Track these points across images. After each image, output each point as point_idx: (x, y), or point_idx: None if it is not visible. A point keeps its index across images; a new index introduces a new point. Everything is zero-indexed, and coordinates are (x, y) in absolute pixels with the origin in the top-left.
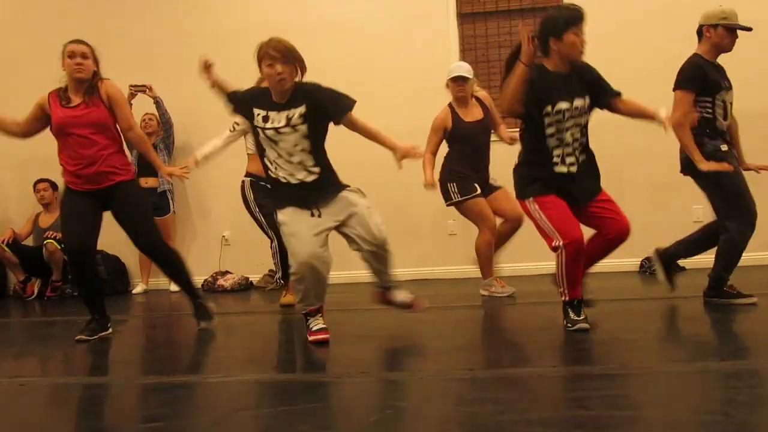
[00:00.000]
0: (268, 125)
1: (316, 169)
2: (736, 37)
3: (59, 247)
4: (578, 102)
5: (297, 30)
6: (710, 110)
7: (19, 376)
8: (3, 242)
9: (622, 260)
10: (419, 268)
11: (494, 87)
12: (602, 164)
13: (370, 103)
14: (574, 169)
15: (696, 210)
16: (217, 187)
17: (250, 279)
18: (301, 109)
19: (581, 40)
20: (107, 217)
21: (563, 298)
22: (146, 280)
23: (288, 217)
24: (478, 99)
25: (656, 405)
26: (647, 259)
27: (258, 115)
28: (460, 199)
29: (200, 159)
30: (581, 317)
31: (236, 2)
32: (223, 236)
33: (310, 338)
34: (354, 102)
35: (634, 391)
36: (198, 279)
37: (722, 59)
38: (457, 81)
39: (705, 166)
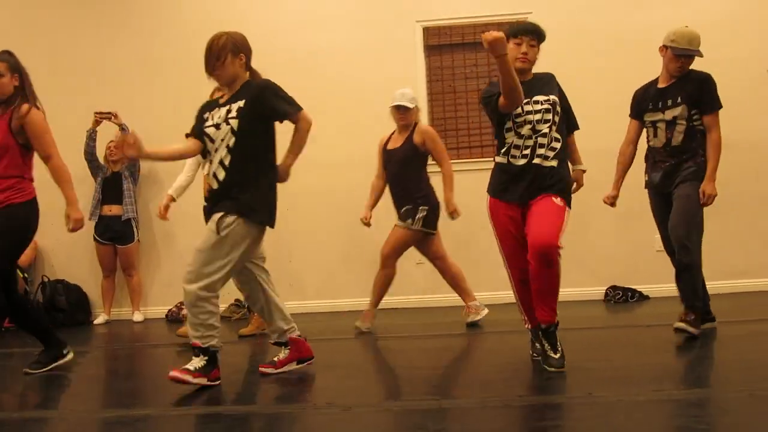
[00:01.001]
0: (209, 123)
1: (222, 175)
2: (684, 62)
3: (21, 276)
4: (541, 98)
5: (266, 58)
6: (647, 132)
7: None
8: None
9: (587, 289)
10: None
11: (461, 117)
12: None
13: (336, 130)
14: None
15: (658, 239)
16: (183, 215)
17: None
18: (240, 104)
19: (520, 50)
20: (72, 246)
21: (526, 327)
22: (108, 311)
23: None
24: (410, 132)
25: None
26: (612, 287)
27: (206, 119)
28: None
29: (175, 196)
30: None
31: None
32: None
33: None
34: (296, 111)
35: (599, 421)
36: (162, 309)
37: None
38: (399, 109)
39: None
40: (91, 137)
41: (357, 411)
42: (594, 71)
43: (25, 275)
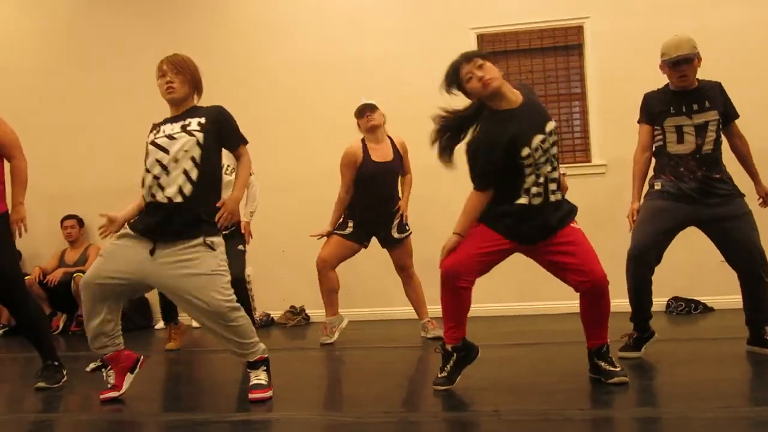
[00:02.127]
0: (160, 134)
1: (188, 189)
2: (683, 69)
3: None
4: (545, 133)
5: (318, 68)
6: (660, 138)
7: (43, 412)
8: (35, 280)
9: None
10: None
11: None
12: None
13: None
14: (537, 201)
15: None
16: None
17: (271, 315)
18: (201, 120)
19: (473, 74)
20: None
21: (446, 341)
22: None
23: (114, 248)
24: (393, 142)
25: None
26: (674, 298)
27: (151, 133)
28: (331, 230)
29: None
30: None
31: (252, 46)
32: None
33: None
34: (246, 142)
35: None
36: None
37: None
38: (364, 112)
39: (628, 216)
40: None
41: (413, 420)
42: (652, 75)
43: None
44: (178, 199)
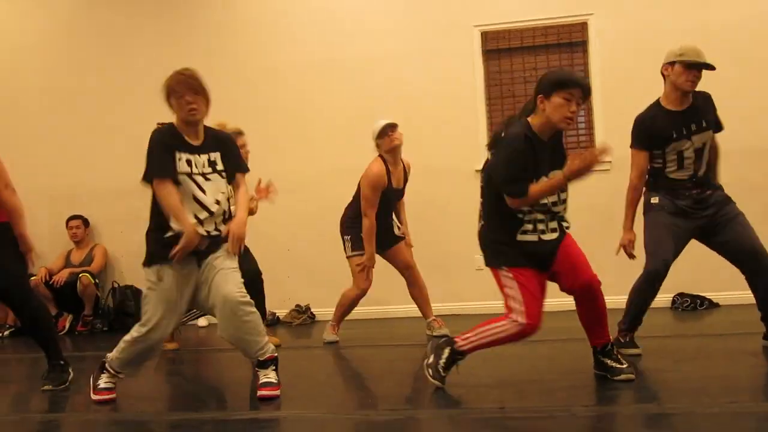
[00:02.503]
0: (194, 171)
1: (222, 221)
2: (696, 75)
3: (93, 282)
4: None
5: (321, 68)
6: (660, 161)
7: (49, 412)
8: (41, 280)
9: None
10: (447, 304)
11: None
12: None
13: None
14: (547, 237)
15: None
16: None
17: (276, 314)
18: (218, 154)
19: (570, 109)
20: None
21: (458, 343)
22: None
23: (168, 278)
24: (404, 166)
25: None
26: (679, 294)
27: (180, 159)
28: (351, 254)
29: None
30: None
31: (259, 47)
32: None
33: (96, 397)
34: (245, 171)
35: None
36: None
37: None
38: (387, 131)
39: (620, 243)
40: None
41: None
42: (656, 72)
43: (96, 281)
44: (216, 232)
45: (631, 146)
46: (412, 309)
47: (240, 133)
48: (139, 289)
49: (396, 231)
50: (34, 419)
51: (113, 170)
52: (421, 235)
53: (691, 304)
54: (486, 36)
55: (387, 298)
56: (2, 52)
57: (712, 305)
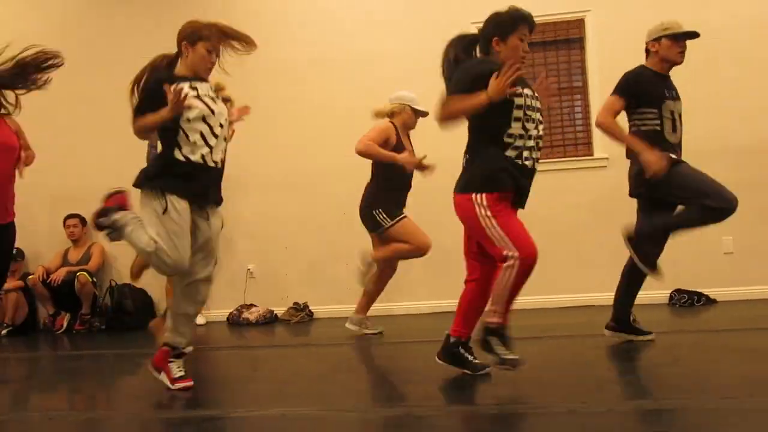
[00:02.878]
0: (203, 95)
1: (219, 159)
2: (684, 45)
3: (90, 280)
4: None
5: (321, 65)
6: (658, 122)
7: (48, 410)
8: (39, 279)
9: (650, 292)
10: (447, 300)
11: None
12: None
13: None
14: (529, 164)
15: (726, 241)
16: (243, 220)
17: (274, 312)
18: (220, 100)
19: (524, 46)
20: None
21: (493, 322)
22: None
23: (180, 209)
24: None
25: None
26: (677, 291)
27: (185, 86)
28: (390, 223)
29: None
30: (509, 349)
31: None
32: (248, 269)
33: (178, 386)
34: None
35: (665, 429)
36: (222, 312)
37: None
38: (423, 116)
39: (650, 155)
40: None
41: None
42: None
43: (94, 279)
44: (219, 165)
45: (612, 93)
46: (413, 306)
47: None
48: (136, 288)
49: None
50: (34, 418)
51: (111, 169)
52: (426, 227)
53: (688, 300)
54: None
55: (388, 295)
56: None
57: (710, 301)
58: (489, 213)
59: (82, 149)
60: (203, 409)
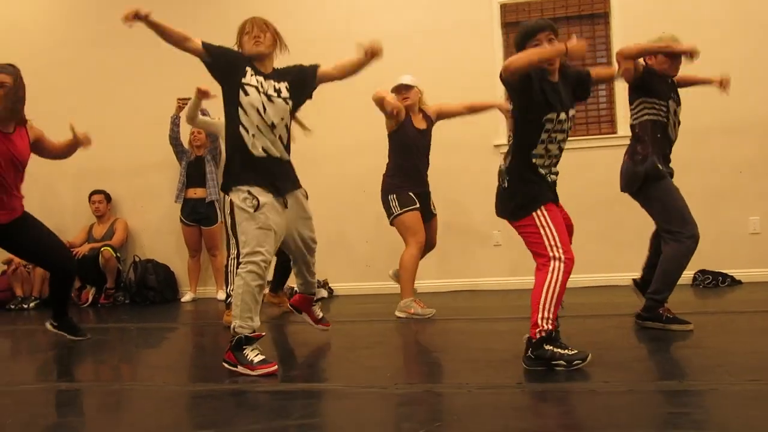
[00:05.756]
0: (254, 84)
1: (287, 153)
2: (680, 62)
3: (114, 255)
4: (572, 112)
5: (341, 42)
6: (664, 113)
7: (74, 381)
8: None
9: None
10: (463, 279)
11: None
12: None
13: None
14: (554, 178)
15: (753, 221)
16: None
17: (294, 288)
18: (286, 84)
19: (541, 43)
20: (160, 227)
21: (540, 330)
22: (194, 289)
23: (267, 201)
24: (425, 113)
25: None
26: (701, 271)
27: (249, 73)
28: (400, 212)
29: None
30: (572, 349)
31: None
32: None
33: (259, 372)
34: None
35: (690, 410)
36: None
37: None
38: (400, 90)
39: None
40: (175, 123)
41: (438, 391)
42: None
43: (118, 255)
44: (285, 159)
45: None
46: (436, 284)
47: None
48: (159, 263)
49: (433, 209)
50: (60, 388)
51: (135, 145)
52: (439, 211)
53: (712, 281)
54: (505, 8)
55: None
56: (23, 30)
57: (734, 282)
58: (548, 221)
59: (108, 126)
60: (226, 382)
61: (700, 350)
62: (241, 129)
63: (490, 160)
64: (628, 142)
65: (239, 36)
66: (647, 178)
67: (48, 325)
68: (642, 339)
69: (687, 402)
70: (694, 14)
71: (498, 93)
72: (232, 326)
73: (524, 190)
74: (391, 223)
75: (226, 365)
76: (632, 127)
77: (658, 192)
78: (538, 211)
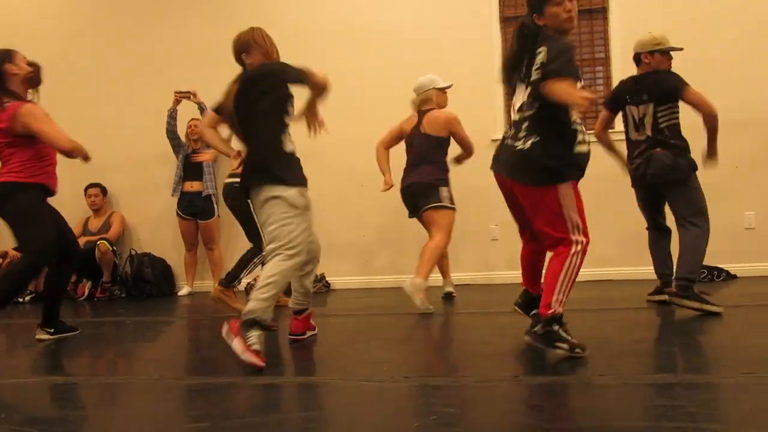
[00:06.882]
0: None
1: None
2: (671, 57)
3: (110, 249)
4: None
5: (341, 35)
6: (624, 121)
7: (70, 375)
8: None
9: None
10: (461, 274)
11: None
12: None
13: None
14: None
15: (748, 216)
16: None
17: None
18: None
19: (564, 9)
20: (158, 223)
21: (553, 311)
22: (191, 283)
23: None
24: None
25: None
26: None
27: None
28: (453, 206)
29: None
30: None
31: (284, 8)
32: None
33: (247, 356)
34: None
35: (684, 403)
36: (242, 282)
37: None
38: (445, 91)
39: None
40: (172, 116)
41: (433, 384)
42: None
43: (114, 248)
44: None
45: (689, 86)
46: (432, 278)
47: None
48: (155, 257)
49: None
50: (55, 382)
51: (132, 139)
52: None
53: (708, 276)
54: (504, 2)
55: (396, 268)
56: (21, 24)
57: (730, 277)
58: (572, 199)
59: (103, 119)
60: (223, 376)
61: (694, 344)
62: (284, 135)
63: (487, 155)
64: (623, 137)
65: (271, 46)
66: (693, 168)
67: (43, 335)
68: (637, 333)
69: (681, 395)
70: (691, 10)
71: (496, 88)
72: (248, 309)
73: (559, 154)
74: (421, 215)
75: (224, 329)
76: (660, 129)
77: (696, 182)
78: (567, 184)
